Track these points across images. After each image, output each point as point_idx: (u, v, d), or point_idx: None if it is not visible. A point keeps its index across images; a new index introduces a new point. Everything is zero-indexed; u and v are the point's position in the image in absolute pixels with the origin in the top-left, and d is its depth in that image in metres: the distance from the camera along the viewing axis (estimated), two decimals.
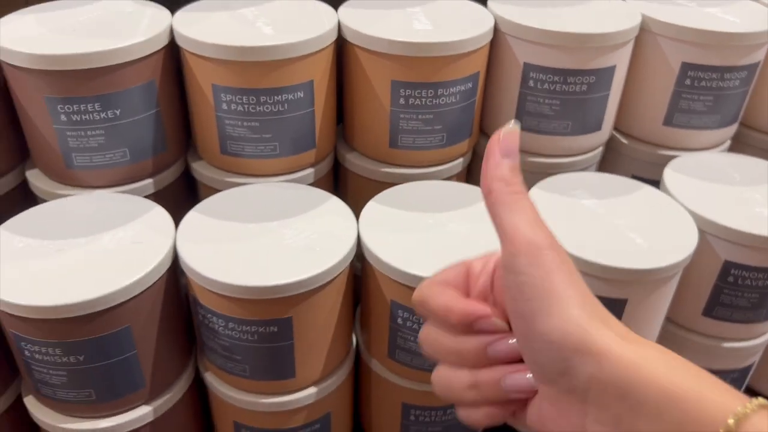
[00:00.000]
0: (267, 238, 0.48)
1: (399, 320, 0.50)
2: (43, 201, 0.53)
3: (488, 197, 0.27)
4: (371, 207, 0.53)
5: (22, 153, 0.56)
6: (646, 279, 0.48)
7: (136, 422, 0.49)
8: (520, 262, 0.26)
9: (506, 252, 0.26)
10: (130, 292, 0.44)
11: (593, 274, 0.48)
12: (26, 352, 0.45)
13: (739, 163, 0.61)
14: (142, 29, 0.51)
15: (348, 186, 0.61)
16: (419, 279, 0.44)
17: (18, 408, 0.51)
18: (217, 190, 0.55)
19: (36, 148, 0.53)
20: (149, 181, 0.55)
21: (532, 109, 0.58)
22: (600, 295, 0.49)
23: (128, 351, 0.46)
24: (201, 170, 0.57)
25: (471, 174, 0.64)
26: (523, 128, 0.59)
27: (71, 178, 0.53)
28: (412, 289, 0.41)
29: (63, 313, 0.42)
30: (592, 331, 0.25)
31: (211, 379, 0.53)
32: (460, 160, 0.60)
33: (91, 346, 0.44)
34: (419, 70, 0.53)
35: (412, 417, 0.57)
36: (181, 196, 0.59)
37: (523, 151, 0.60)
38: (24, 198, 0.56)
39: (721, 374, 0.61)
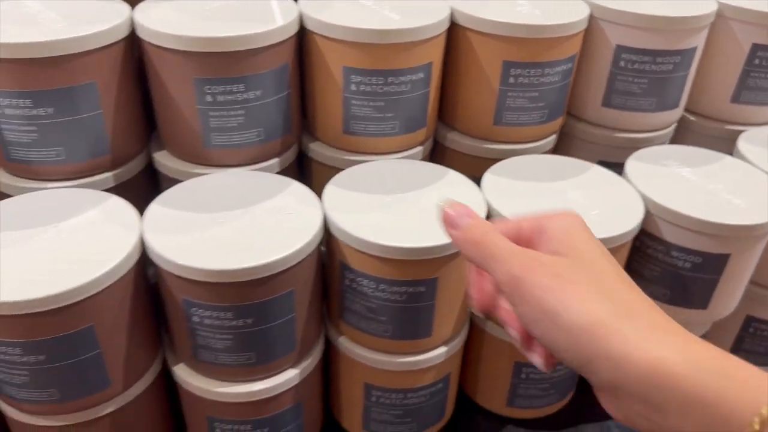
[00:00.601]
0: (405, 205, 0.52)
1: None
2: (175, 181, 0.56)
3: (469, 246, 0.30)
4: (488, 178, 0.57)
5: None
6: (747, 234, 0.54)
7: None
8: (511, 300, 0.28)
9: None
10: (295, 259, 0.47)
11: (703, 231, 0.53)
12: None
13: None
14: (277, 15, 0.54)
15: (447, 164, 0.65)
16: None
17: None
18: (336, 169, 0.59)
19: (171, 129, 0.55)
20: (275, 160, 0.58)
21: (621, 88, 0.63)
22: (707, 251, 0.54)
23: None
24: (319, 150, 0.60)
25: (557, 150, 0.68)
26: (610, 106, 0.64)
27: (206, 158, 0.55)
28: None
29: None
30: (612, 330, 0.25)
31: (345, 342, 0.56)
32: (554, 135, 0.65)
33: None
34: (529, 50, 0.57)
35: (522, 375, 0.61)
36: (294, 176, 0.62)
37: (610, 128, 0.66)
38: (150, 179, 0.59)
39: None
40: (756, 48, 0.64)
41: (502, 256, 0.29)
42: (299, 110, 0.59)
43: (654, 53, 0.61)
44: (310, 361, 0.54)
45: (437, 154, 0.66)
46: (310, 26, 0.55)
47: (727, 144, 0.67)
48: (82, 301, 0.43)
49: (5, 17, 0.50)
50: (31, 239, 0.45)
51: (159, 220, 0.48)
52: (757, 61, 0.65)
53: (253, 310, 0.47)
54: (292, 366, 0.53)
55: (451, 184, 0.55)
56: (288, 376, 0.52)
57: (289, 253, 0.46)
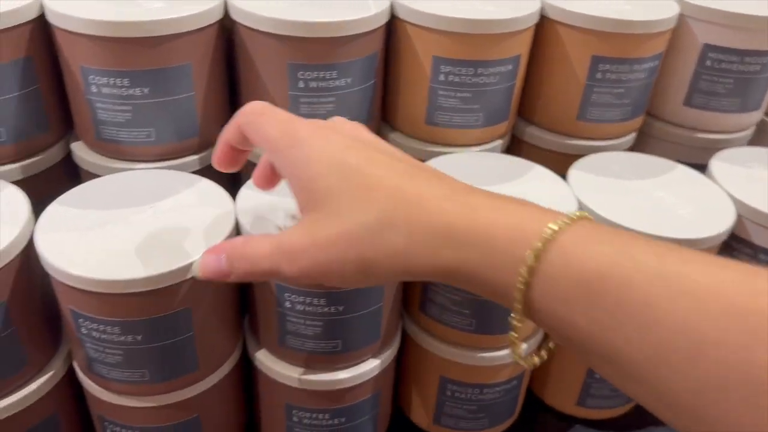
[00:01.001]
0: None
1: None
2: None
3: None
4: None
5: None
6: None
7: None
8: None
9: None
10: None
11: None
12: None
13: None
14: (371, 2, 0.54)
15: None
16: None
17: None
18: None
19: None
20: None
21: (705, 88, 0.62)
22: None
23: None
24: (399, 140, 0.59)
25: (634, 148, 0.67)
26: (692, 105, 0.63)
27: None
28: None
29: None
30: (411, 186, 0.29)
31: (423, 334, 0.55)
32: (634, 134, 0.64)
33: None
34: (619, 46, 0.56)
35: (596, 375, 0.60)
36: None
37: (691, 128, 0.65)
38: None
39: None
40: None
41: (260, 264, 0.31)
42: (381, 100, 0.59)
43: (742, 53, 0.60)
44: (390, 352, 0.54)
45: (513, 148, 0.66)
46: (401, 14, 0.54)
47: None
48: (182, 282, 0.42)
49: None
50: (129, 219, 0.45)
51: (249, 199, 0.48)
52: None
53: (345, 298, 0.47)
54: (374, 356, 0.53)
55: (538, 178, 0.55)
56: (369, 366, 0.52)
57: None
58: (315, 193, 0.30)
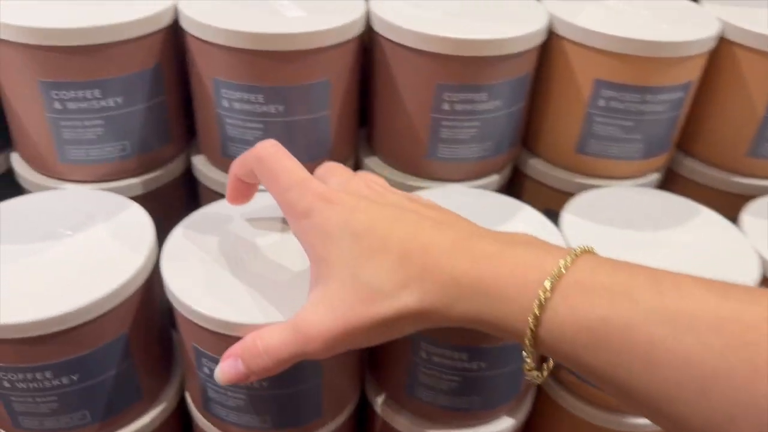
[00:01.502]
0: (654, 244, 0.45)
1: None
2: None
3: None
4: None
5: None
6: None
7: None
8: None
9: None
10: None
11: None
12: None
13: None
14: (528, 17, 0.48)
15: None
16: None
17: None
18: (559, 191, 0.52)
19: (393, 135, 0.50)
20: (495, 177, 0.52)
21: None
22: None
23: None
24: (541, 168, 0.53)
25: None
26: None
27: (427, 171, 0.50)
28: None
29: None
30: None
31: (562, 392, 0.50)
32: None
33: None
34: None
35: None
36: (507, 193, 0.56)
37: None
38: None
39: None
40: None
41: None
42: (523, 125, 0.53)
43: None
44: (525, 410, 0.48)
45: (667, 182, 0.58)
46: (560, 31, 0.48)
47: None
48: None
49: (246, 6, 0.46)
50: (258, 251, 0.41)
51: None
52: None
53: (489, 353, 0.42)
54: (509, 414, 0.47)
55: (706, 223, 0.47)
56: (503, 425, 0.47)
57: None
58: (328, 262, 0.30)
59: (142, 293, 0.40)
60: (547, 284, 0.26)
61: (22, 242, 0.40)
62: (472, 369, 0.42)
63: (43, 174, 0.48)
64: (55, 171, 0.47)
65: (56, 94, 0.43)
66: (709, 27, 0.48)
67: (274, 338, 0.32)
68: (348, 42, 0.45)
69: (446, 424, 0.46)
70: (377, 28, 0.46)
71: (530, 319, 0.26)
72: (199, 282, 0.38)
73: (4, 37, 0.41)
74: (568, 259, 0.26)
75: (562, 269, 0.26)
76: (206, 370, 0.40)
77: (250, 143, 0.46)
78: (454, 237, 0.29)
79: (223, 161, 0.48)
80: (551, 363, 0.31)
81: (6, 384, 0.38)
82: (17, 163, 0.49)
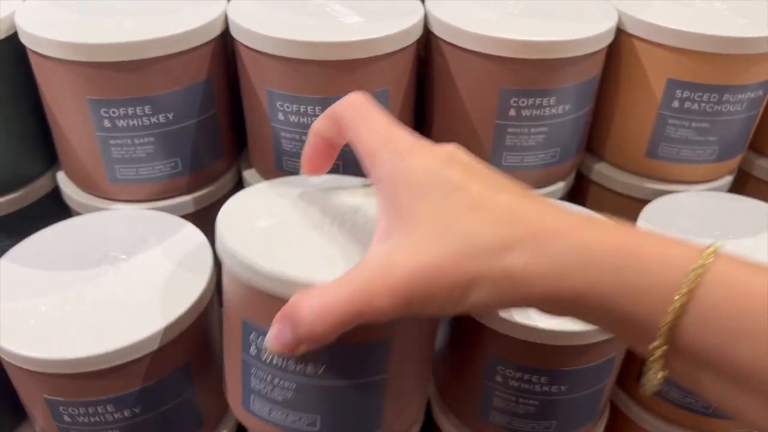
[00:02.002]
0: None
1: None
2: None
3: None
4: None
5: None
6: None
7: None
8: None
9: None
10: None
11: None
12: None
13: None
14: (596, 16, 0.45)
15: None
16: None
17: None
18: (629, 197, 0.50)
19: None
20: (561, 184, 0.49)
21: None
22: None
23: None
24: (608, 173, 0.51)
25: None
26: None
27: None
28: None
29: None
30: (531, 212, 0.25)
31: (641, 412, 0.47)
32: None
33: None
34: None
35: None
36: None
37: None
38: None
39: None
40: None
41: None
42: (588, 129, 0.50)
43: None
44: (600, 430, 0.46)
45: (738, 184, 0.55)
46: (630, 28, 0.45)
47: None
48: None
49: (299, 12, 0.43)
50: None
51: None
52: None
53: (570, 376, 0.39)
54: None
55: None
56: None
57: None
58: (415, 211, 0.26)
59: (204, 318, 0.38)
60: (705, 258, 0.23)
61: (76, 268, 0.38)
62: (551, 392, 0.40)
63: (91, 194, 0.46)
64: (103, 191, 0.45)
65: (105, 112, 0.41)
66: None
67: (325, 294, 0.27)
68: (407, 48, 0.43)
69: None
70: (436, 31, 0.44)
71: (678, 298, 0.22)
72: (256, 242, 0.33)
73: (50, 54, 0.40)
74: (714, 249, 0.23)
75: (715, 253, 0.23)
76: (252, 350, 0.35)
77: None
78: (572, 214, 0.26)
79: (277, 175, 0.46)
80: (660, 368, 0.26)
81: (66, 418, 0.36)
82: (64, 182, 0.48)
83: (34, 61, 0.42)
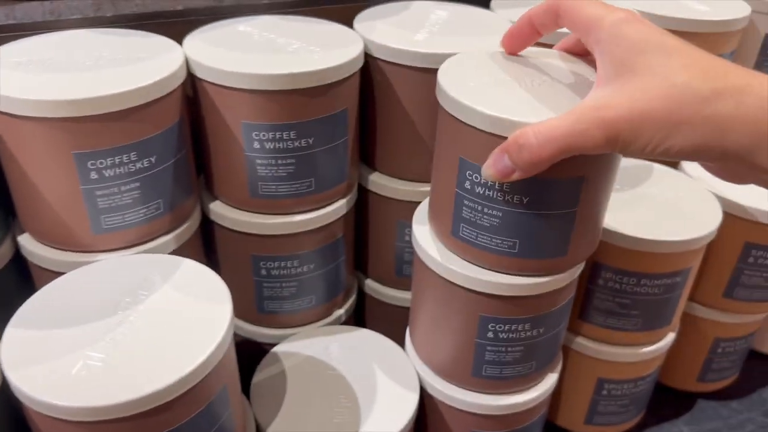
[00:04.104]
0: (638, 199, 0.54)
1: None
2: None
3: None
4: None
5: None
6: None
7: None
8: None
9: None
10: None
11: None
12: None
13: None
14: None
15: None
16: None
17: None
18: None
19: (397, 151, 0.55)
20: None
21: None
22: None
23: None
24: None
25: None
26: None
27: None
28: None
29: None
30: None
31: (583, 341, 0.57)
32: None
33: None
34: None
35: (604, 392, 0.64)
36: None
37: None
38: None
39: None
40: None
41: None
42: None
43: None
44: (560, 365, 0.55)
45: None
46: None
47: None
48: None
49: (251, 48, 0.47)
50: None
51: None
52: None
53: (545, 318, 0.48)
54: (552, 372, 0.54)
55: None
56: (551, 382, 0.53)
57: None
58: (634, 65, 0.32)
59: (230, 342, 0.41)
60: None
61: (96, 320, 0.38)
62: (533, 336, 0.48)
63: (71, 250, 0.45)
64: (86, 244, 0.45)
65: (92, 164, 0.42)
66: None
67: (551, 124, 0.33)
68: (357, 70, 0.49)
69: (497, 392, 0.51)
70: (374, 53, 0.50)
71: None
72: (475, 92, 0.40)
73: (28, 113, 0.40)
74: None
75: None
76: (467, 184, 0.41)
77: (282, 179, 0.48)
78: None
79: (252, 202, 0.50)
80: None
81: None
82: (31, 245, 0.46)
83: (1, 123, 0.41)
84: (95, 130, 0.41)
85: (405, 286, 0.60)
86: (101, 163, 0.42)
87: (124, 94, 0.41)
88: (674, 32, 0.34)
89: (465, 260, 0.45)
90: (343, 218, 0.54)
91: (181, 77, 0.45)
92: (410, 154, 0.54)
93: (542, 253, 0.43)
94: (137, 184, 0.44)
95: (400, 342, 0.56)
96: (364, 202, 0.58)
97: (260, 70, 0.44)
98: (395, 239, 0.58)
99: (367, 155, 0.57)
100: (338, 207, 0.53)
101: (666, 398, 0.69)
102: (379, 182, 0.56)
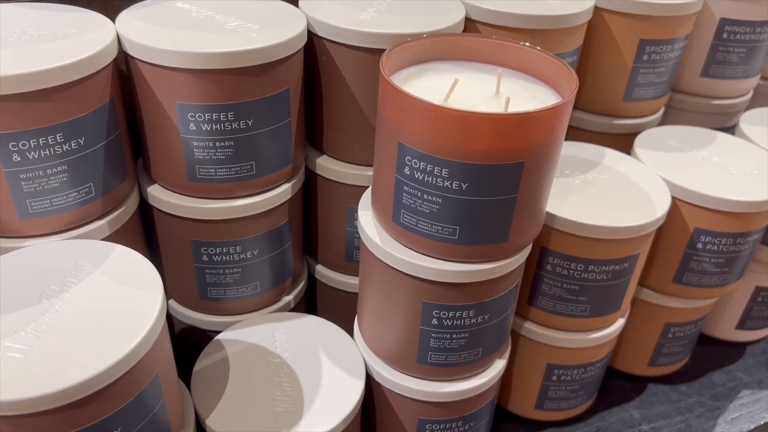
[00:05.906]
0: (588, 185, 0.54)
1: None
2: None
3: None
4: None
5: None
6: None
7: None
8: None
9: None
10: None
11: None
12: None
13: None
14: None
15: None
16: None
17: None
18: None
19: (340, 134, 0.53)
20: None
21: (721, 58, 0.67)
22: None
23: None
24: None
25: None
26: (708, 75, 0.68)
27: None
28: None
29: None
30: None
31: (532, 327, 0.57)
32: (664, 108, 0.69)
33: None
34: (662, 28, 0.60)
35: (553, 377, 0.65)
36: None
37: (708, 96, 0.70)
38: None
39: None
40: None
41: None
42: None
43: (755, 24, 0.65)
44: (509, 352, 0.55)
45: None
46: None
47: None
48: None
49: (188, 26, 0.45)
50: None
51: None
52: None
53: (487, 308, 0.47)
54: (500, 358, 0.53)
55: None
56: (498, 369, 0.53)
57: None
58: None
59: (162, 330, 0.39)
60: None
61: (19, 309, 0.37)
62: (478, 323, 0.47)
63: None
64: (13, 229, 0.43)
65: (14, 146, 0.40)
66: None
67: None
68: (300, 49, 0.47)
69: (445, 379, 0.51)
70: (318, 30, 0.49)
71: None
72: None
73: None
74: None
75: None
76: (406, 170, 0.40)
77: (221, 162, 0.47)
78: None
79: (190, 186, 0.48)
80: None
81: None
82: None
83: None
84: (17, 110, 0.39)
85: (355, 271, 0.59)
86: (24, 145, 0.40)
87: (46, 72, 0.39)
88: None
89: (407, 247, 0.44)
90: (288, 203, 0.52)
91: (111, 55, 0.43)
92: (357, 136, 0.52)
93: (483, 240, 0.42)
94: (65, 167, 0.42)
95: (351, 329, 0.55)
96: (312, 185, 0.57)
97: (193, 49, 0.42)
98: (345, 224, 0.57)
99: (314, 138, 0.55)
100: (283, 191, 0.51)
101: (617, 383, 0.69)
102: (327, 166, 0.54)
